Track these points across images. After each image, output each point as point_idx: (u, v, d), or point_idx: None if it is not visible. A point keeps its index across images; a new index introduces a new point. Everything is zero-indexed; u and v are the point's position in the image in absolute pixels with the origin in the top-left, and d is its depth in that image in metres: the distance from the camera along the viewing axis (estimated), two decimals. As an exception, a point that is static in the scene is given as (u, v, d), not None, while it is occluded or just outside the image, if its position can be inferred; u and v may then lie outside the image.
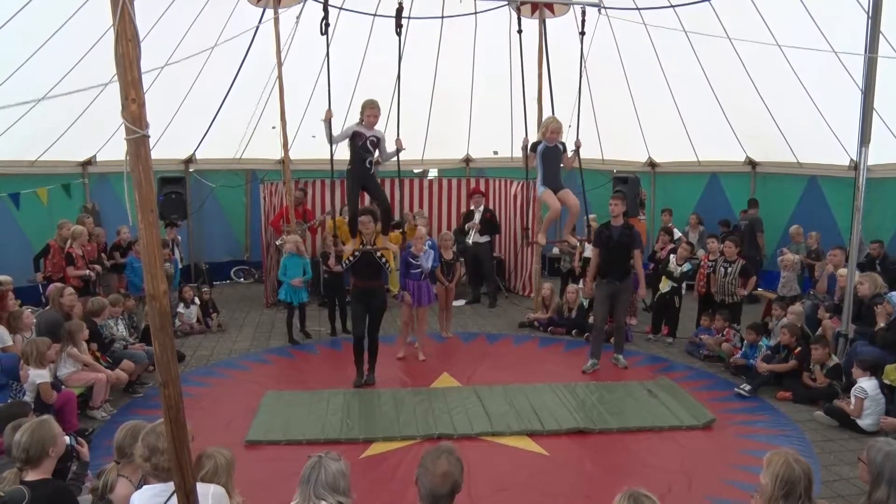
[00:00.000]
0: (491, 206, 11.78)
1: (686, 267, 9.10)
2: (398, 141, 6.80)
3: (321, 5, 6.59)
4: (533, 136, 7.65)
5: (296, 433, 6.09)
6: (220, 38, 9.58)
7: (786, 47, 8.90)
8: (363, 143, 6.65)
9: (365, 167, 6.73)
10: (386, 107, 7.01)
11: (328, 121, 6.53)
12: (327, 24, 6.52)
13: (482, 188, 11.77)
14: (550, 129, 7.03)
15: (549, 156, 7.11)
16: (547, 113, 8.06)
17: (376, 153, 6.88)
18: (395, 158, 7.08)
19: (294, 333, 9.05)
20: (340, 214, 9.29)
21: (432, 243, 8.89)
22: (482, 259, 11.14)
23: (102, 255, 9.65)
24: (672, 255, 9.21)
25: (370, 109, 6.71)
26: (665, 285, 9.19)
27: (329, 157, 6.90)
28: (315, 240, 11.56)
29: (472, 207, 11.29)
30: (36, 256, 9.13)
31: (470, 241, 11.02)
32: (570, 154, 7.38)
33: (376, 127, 6.87)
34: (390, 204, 8.08)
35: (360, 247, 7.06)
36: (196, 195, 11.82)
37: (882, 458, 3.30)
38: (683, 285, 9.26)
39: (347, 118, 7.14)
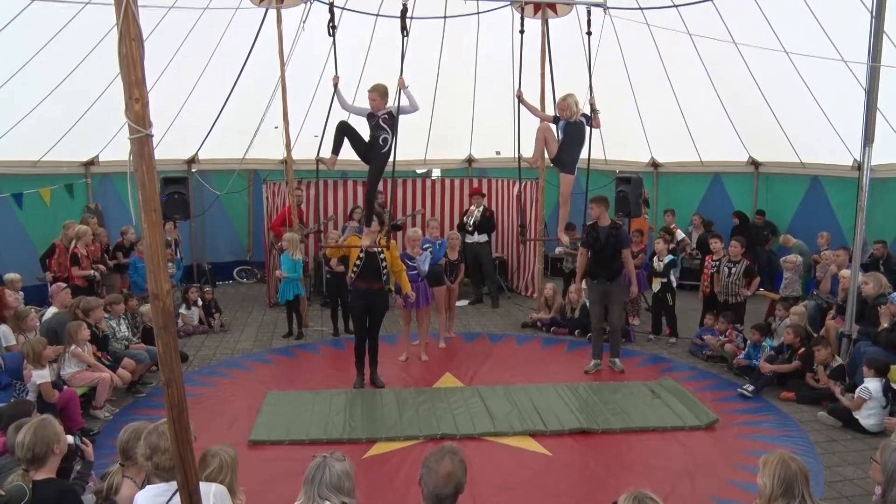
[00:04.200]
0: (494, 207, 11.79)
1: (668, 258, 9.15)
2: (400, 81, 6.67)
3: (323, 5, 6.59)
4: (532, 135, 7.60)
5: (299, 433, 6.09)
6: (222, 38, 9.65)
7: (792, 54, 8.88)
8: (376, 122, 6.66)
9: (379, 144, 6.67)
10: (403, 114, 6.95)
11: (335, 84, 6.60)
12: (334, 27, 6.51)
13: (483, 189, 11.78)
14: (559, 107, 6.98)
15: (568, 132, 6.99)
16: (550, 112, 8.04)
17: (397, 126, 6.74)
18: (397, 160, 7.02)
19: (293, 328, 9.29)
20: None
21: (443, 242, 8.89)
22: (482, 259, 11.15)
23: (105, 255, 9.67)
24: (654, 257, 9.29)
25: (373, 94, 6.68)
26: (655, 284, 9.25)
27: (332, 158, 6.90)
28: (317, 243, 11.56)
29: (472, 207, 11.30)
30: (42, 256, 9.16)
31: (468, 239, 11.03)
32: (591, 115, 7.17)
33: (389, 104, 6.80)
34: (391, 204, 8.12)
35: (363, 248, 7.07)
36: (199, 195, 11.83)
37: None
38: (672, 279, 9.28)
39: (349, 118, 7.10)
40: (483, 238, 11.11)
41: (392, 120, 6.66)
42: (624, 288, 8.20)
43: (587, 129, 7.04)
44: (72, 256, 8.72)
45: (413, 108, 6.77)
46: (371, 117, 6.70)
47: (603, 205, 7.90)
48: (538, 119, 7.35)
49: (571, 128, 6.98)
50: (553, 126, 7.13)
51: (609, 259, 7.85)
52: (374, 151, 6.67)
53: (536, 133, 7.11)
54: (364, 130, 6.86)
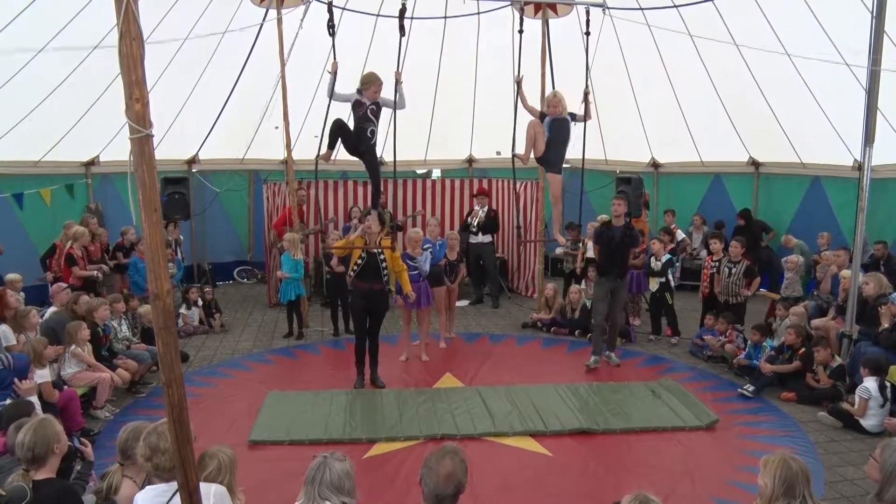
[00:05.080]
0: (494, 207, 11.76)
1: (665, 258, 9.18)
2: (397, 73, 6.66)
3: (324, 6, 6.59)
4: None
5: (299, 433, 6.09)
6: (222, 38, 9.65)
7: (794, 56, 8.89)
8: (364, 113, 6.57)
9: (366, 136, 6.62)
10: (386, 108, 6.96)
11: (334, 72, 6.49)
12: (333, 26, 6.51)
13: (485, 188, 11.78)
14: (549, 104, 7.03)
15: (554, 129, 7.04)
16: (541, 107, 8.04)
17: (379, 120, 6.74)
18: (398, 164, 7.00)
19: (293, 328, 9.31)
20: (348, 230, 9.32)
21: (443, 243, 8.89)
22: (485, 259, 11.16)
23: (105, 255, 9.67)
24: (651, 257, 9.30)
25: (375, 86, 6.58)
26: (653, 284, 9.27)
27: (332, 158, 6.91)
28: (317, 243, 11.57)
29: (476, 207, 11.30)
30: (42, 256, 9.15)
31: (472, 239, 11.04)
32: (580, 107, 7.23)
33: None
34: (392, 204, 8.12)
35: (364, 248, 7.07)
36: (199, 195, 11.83)
37: None
38: (670, 278, 9.31)
39: (350, 118, 7.09)
40: (487, 238, 11.12)
41: (378, 112, 6.67)
42: (627, 286, 8.30)
43: (572, 125, 7.08)
44: (67, 257, 8.71)
45: (402, 105, 6.78)
46: (359, 106, 6.60)
47: (627, 202, 8.15)
48: (528, 113, 7.33)
49: (558, 124, 7.02)
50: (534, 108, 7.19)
51: (621, 258, 8.02)
52: (364, 144, 6.65)
53: (527, 129, 7.11)
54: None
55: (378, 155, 6.98)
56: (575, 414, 6.55)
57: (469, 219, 11.25)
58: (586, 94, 7.19)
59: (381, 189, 7.13)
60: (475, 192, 11.62)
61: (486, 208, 11.14)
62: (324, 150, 6.72)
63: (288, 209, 10.36)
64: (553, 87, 8.03)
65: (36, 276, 9.43)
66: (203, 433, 4.22)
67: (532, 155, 7.23)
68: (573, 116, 7.08)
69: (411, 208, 12.12)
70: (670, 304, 9.26)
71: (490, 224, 11.09)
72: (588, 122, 7.45)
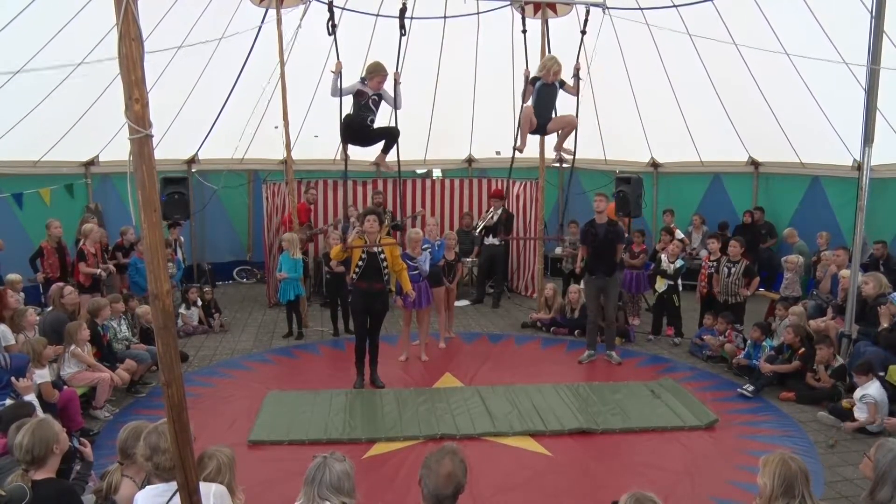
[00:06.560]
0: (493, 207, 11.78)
1: (679, 263, 9.15)
2: (396, 73, 6.72)
3: (323, 5, 6.58)
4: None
5: (299, 433, 6.09)
6: (222, 37, 9.65)
7: (792, 55, 8.90)
8: (365, 102, 6.64)
9: (366, 125, 6.71)
10: (386, 107, 6.98)
11: (338, 72, 6.50)
12: (334, 26, 6.51)
13: (485, 189, 11.77)
14: (551, 70, 7.00)
15: (544, 92, 7.10)
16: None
17: (378, 111, 6.80)
18: (398, 155, 7.02)
19: (293, 328, 9.32)
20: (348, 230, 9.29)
21: (442, 243, 8.89)
22: (497, 262, 11.17)
23: (105, 255, 9.67)
24: (663, 255, 9.27)
25: (380, 76, 6.61)
26: (661, 284, 9.24)
27: (332, 158, 6.93)
28: (317, 244, 11.57)
29: (491, 209, 11.30)
30: (31, 258, 9.13)
31: (486, 241, 11.09)
32: (570, 81, 7.28)
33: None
34: (393, 204, 8.11)
35: (364, 248, 7.07)
36: (198, 195, 11.83)
37: (891, 459, 3.34)
38: (680, 282, 9.28)
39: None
40: (499, 241, 11.13)
41: (378, 102, 6.73)
42: (619, 283, 8.41)
43: (558, 91, 7.14)
44: (79, 253, 8.75)
45: (399, 106, 6.82)
46: (361, 95, 6.65)
47: (608, 199, 8.29)
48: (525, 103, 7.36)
49: (547, 89, 7.05)
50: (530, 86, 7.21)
51: (607, 255, 8.12)
52: (364, 132, 6.74)
53: (522, 118, 7.11)
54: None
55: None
56: (574, 414, 6.55)
57: (478, 221, 11.22)
58: (577, 70, 7.27)
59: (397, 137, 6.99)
60: (491, 194, 11.61)
61: (500, 210, 11.13)
62: (340, 152, 6.79)
63: (298, 207, 10.35)
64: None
65: (27, 278, 9.40)
66: (203, 433, 4.23)
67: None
68: (562, 84, 7.13)
69: (411, 208, 12.12)
70: (677, 306, 9.23)
71: (504, 227, 11.07)
72: (587, 121, 7.45)
